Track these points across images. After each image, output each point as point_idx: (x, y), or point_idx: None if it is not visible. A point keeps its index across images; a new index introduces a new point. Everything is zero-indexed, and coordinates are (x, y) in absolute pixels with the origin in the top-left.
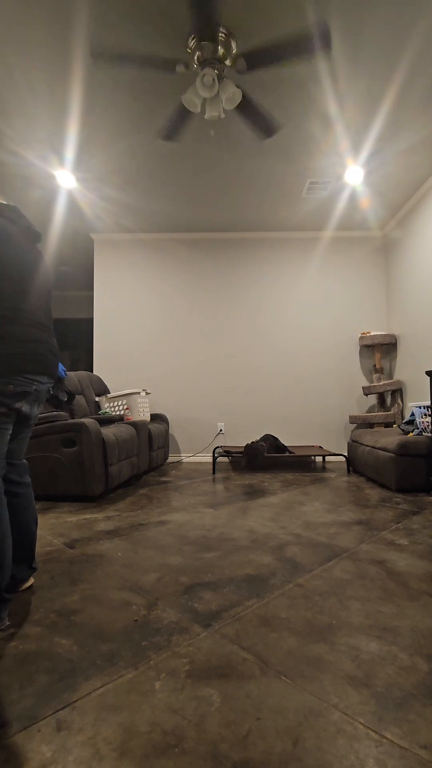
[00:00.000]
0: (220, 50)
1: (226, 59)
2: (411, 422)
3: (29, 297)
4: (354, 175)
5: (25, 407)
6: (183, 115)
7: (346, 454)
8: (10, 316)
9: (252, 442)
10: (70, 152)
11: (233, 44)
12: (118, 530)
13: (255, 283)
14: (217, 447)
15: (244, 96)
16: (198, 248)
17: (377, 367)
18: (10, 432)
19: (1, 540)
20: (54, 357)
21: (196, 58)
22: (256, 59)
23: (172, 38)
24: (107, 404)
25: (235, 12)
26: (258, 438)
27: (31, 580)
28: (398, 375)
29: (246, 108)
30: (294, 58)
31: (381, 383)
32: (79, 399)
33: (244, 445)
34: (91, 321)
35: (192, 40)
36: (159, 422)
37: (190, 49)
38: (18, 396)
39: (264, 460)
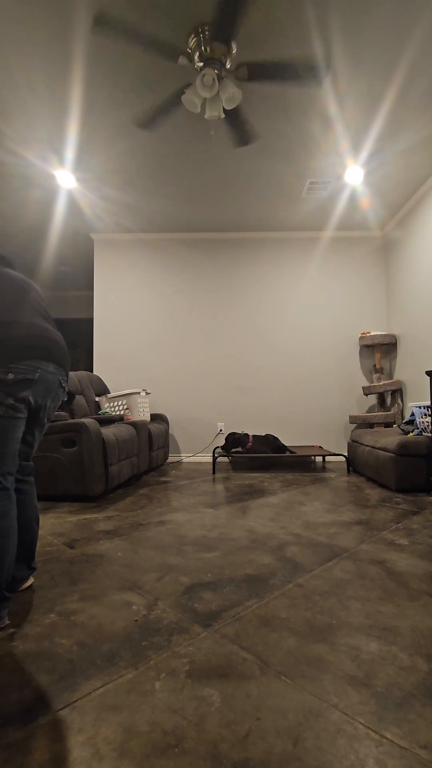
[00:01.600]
0: (228, 52)
1: (228, 62)
2: (411, 422)
3: (24, 303)
4: (354, 175)
5: (32, 397)
6: (168, 107)
7: (346, 454)
8: (8, 307)
9: (236, 432)
10: (70, 152)
11: (236, 49)
12: (118, 530)
13: (255, 283)
14: (217, 447)
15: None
16: (198, 248)
17: (377, 367)
18: (23, 428)
19: (6, 537)
20: (60, 346)
21: (198, 55)
22: (259, 72)
23: (179, 28)
24: (107, 404)
25: (247, 22)
26: (261, 437)
27: (31, 580)
28: (398, 375)
29: (232, 115)
30: (294, 81)
31: (381, 383)
32: (79, 399)
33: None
34: (91, 321)
35: (197, 35)
36: (159, 422)
37: (191, 48)
38: (21, 384)
39: (249, 449)
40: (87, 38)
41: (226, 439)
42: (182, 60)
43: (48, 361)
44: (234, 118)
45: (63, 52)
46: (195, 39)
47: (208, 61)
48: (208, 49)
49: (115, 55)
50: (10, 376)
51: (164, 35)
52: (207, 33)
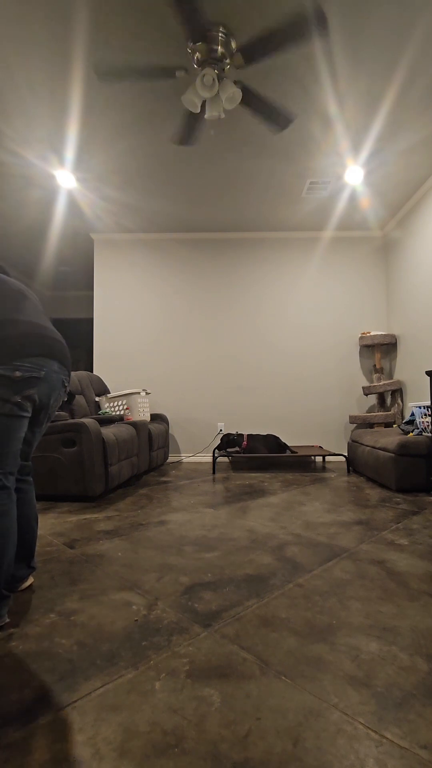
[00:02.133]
0: (219, 50)
1: (225, 58)
2: (411, 422)
3: (26, 302)
4: (354, 175)
5: (37, 397)
6: (193, 118)
7: (346, 454)
8: (10, 306)
9: (231, 434)
10: (70, 152)
11: (233, 43)
12: (118, 530)
13: (255, 283)
14: (216, 447)
15: (249, 91)
16: (198, 248)
17: (377, 367)
18: (26, 427)
19: (6, 536)
20: (63, 345)
21: (195, 59)
22: (253, 51)
23: (171, 43)
24: (107, 404)
25: (225, 7)
26: (260, 436)
27: (31, 580)
28: (398, 375)
29: (254, 103)
30: (290, 44)
31: (381, 383)
32: (79, 399)
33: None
34: (91, 321)
35: (190, 43)
36: (159, 422)
37: (190, 50)
38: (27, 382)
39: (245, 448)
40: (87, 38)
41: (221, 440)
42: (180, 73)
43: (53, 359)
44: (258, 106)
45: (63, 52)
46: (187, 48)
47: (204, 63)
48: (198, 54)
49: (115, 54)
50: (17, 373)
51: (157, 59)
52: (191, 40)
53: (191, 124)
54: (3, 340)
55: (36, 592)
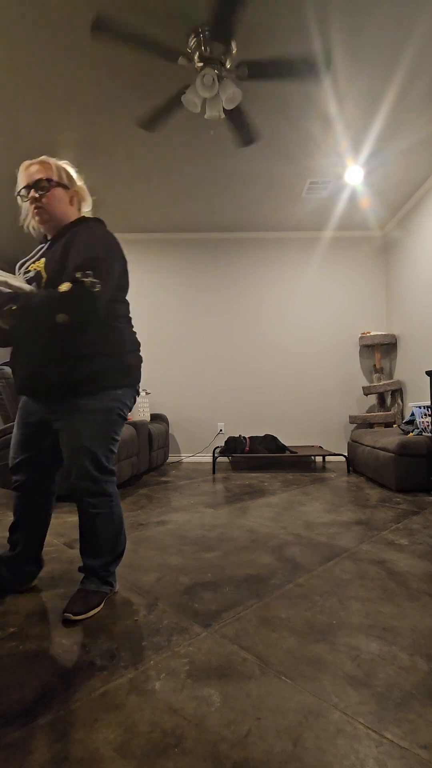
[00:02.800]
0: (227, 52)
1: (227, 62)
2: (411, 422)
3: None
4: (354, 175)
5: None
6: (169, 107)
7: (346, 454)
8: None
9: (236, 436)
10: (70, 152)
11: (236, 49)
12: None
13: (255, 283)
14: (217, 447)
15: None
16: (198, 248)
17: (377, 367)
18: None
19: (122, 524)
20: None
21: (198, 55)
22: (259, 70)
23: (178, 30)
24: None
25: (246, 21)
26: (259, 437)
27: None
28: (398, 375)
29: (234, 115)
30: (293, 79)
31: (381, 383)
32: None
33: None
34: None
35: (197, 36)
36: (159, 422)
37: (191, 48)
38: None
39: (244, 453)
40: (87, 37)
41: (226, 442)
42: (182, 60)
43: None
44: (236, 118)
45: (63, 49)
46: (195, 39)
47: (208, 61)
48: (207, 49)
49: (115, 54)
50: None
51: (163, 37)
52: (206, 33)
53: (166, 111)
54: (135, 367)
55: (36, 592)
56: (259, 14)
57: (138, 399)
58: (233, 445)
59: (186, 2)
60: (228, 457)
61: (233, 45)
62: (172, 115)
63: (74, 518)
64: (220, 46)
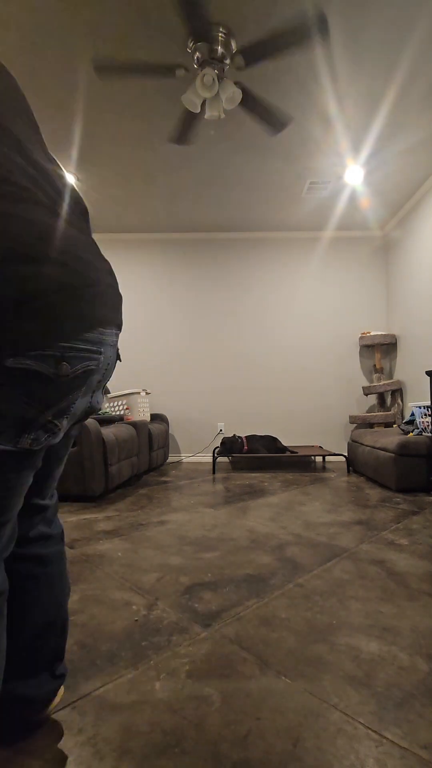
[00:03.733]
0: (219, 50)
1: (225, 58)
2: (411, 422)
3: (80, 216)
4: (354, 175)
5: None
6: (190, 117)
7: (346, 454)
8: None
9: (230, 436)
10: (71, 152)
11: (233, 43)
12: (118, 530)
13: (255, 283)
14: (217, 447)
15: (247, 92)
16: (198, 248)
17: (377, 367)
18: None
19: None
20: (119, 298)
21: (195, 59)
22: (254, 54)
23: (171, 42)
24: (107, 404)
25: (227, 8)
26: (258, 436)
27: (60, 694)
28: (398, 375)
29: (251, 104)
30: (292, 47)
31: (381, 383)
32: None
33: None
34: None
35: (190, 42)
36: (159, 422)
37: (190, 49)
38: (78, 380)
39: (245, 451)
40: (88, 36)
41: (222, 443)
42: (180, 72)
43: (113, 325)
44: (255, 108)
45: (65, 50)
46: (191, 45)
47: (205, 63)
48: (199, 54)
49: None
50: (65, 366)
51: (157, 57)
52: (193, 40)
53: (188, 122)
54: (68, 301)
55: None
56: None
57: (138, 399)
58: (230, 446)
59: (169, 17)
60: (228, 457)
61: (222, 39)
62: (198, 123)
63: (74, 518)
64: (206, 46)
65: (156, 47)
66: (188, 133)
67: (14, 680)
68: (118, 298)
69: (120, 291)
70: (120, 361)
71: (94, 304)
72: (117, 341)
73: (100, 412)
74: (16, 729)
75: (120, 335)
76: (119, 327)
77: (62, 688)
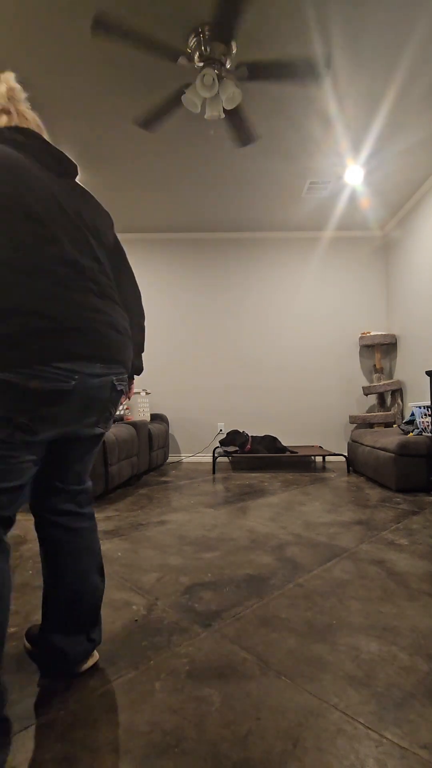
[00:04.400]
0: (228, 52)
1: (227, 62)
2: (411, 422)
3: (63, 244)
4: (354, 175)
5: (64, 415)
6: (168, 106)
7: (346, 454)
8: (28, 269)
9: (238, 431)
10: (70, 152)
11: (236, 49)
12: (118, 530)
13: (255, 283)
14: (217, 447)
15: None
16: (198, 248)
17: (377, 367)
18: (37, 453)
19: None
20: (115, 332)
21: (198, 55)
22: (259, 72)
23: (179, 29)
24: None
25: (247, 22)
26: (259, 437)
27: (95, 657)
28: (398, 375)
29: (233, 114)
30: (294, 80)
31: (381, 383)
32: None
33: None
34: None
35: (197, 36)
36: (159, 422)
37: (191, 48)
38: (47, 398)
39: (248, 450)
40: (87, 36)
41: (228, 434)
42: (182, 60)
43: (93, 360)
44: (234, 117)
45: (62, 49)
46: (195, 39)
47: (208, 61)
48: (207, 49)
49: (115, 53)
50: (35, 383)
51: (164, 36)
52: (207, 33)
53: (165, 110)
54: (30, 333)
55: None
56: (259, 16)
57: (138, 399)
58: (233, 437)
59: (188, 2)
60: (228, 457)
61: (233, 45)
62: (171, 115)
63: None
64: (220, 46)
65: (162, 29)
66: (159, 120)
67: (56, 633)
68: (110, 341)
69: (122, 337)
70: (122, 392)
71: (71, 344)
72: (109, 374)
73: None
74: (53, 674)
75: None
76: (107, 362)
77: (96, 653)
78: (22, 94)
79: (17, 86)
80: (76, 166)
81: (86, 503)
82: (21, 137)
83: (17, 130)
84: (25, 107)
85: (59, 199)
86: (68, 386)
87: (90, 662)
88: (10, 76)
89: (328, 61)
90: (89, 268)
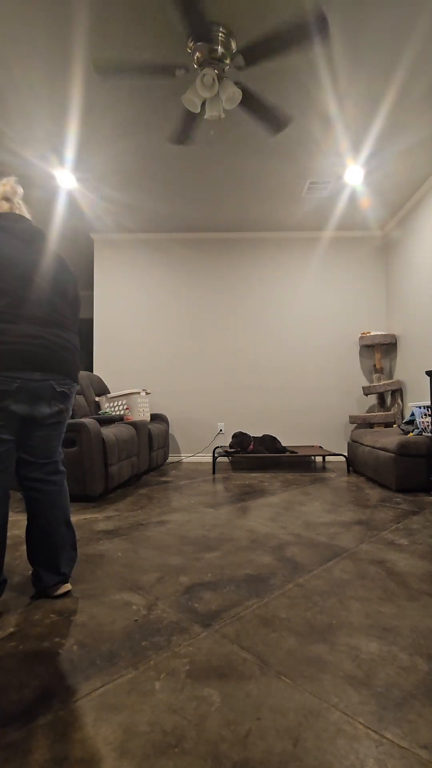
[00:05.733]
0: (219, 50)
1: (226, 58)
2: (411, 422)
3: (20, 293)
4: (354, 175)
5: (15, 406)
6: (190, 117)
7: (346, 454)
8: (5, 309)
9: (243, 433)
10: (70, 152)
11: (233, 43)
12: (118, 530)
13: (255, 283)
14: (217, 447)
15: (247, 92)
16: (198, 248)
17: (377, 367)
18: (4, 435)
19: None
20: (51, 352)
21: (195, 59)
22: (254, 53)
23: (171, 42)
24: (107, 404)
25: (227, 8)
26: (257, 437)
27: (66, 587)
28: (398, 375)
29: (251, 104)
30: (291, 47)
31: (381, 383)
32: (79, 399)
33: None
34: (91, 321)
35: (190, 42)
36: (159, 422)
37: (190, 49)
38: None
39: (250, 451)
40: (87, 37)
41: (234, 436)
42: (179, 72)
43: (30, 370)
44: (254, 107)
45: (63, 50)
46: (187, 47)
47: (205, 62)
48: (198, 54)
49: (115, 53)
50: None
51: (157, 58)
52: (193, 39)
53: (188, 122)
54: None
55: (36, 592)
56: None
57: (138, 399)
58: (242, 439)
59: (168, 17)
60: (228, 457)
61: (222, 39)
62: (197, 124)
63: (74, 518)
64: (206, 46)
65: (155, 47)
66: (188, 132)
67: (34, 564)
68: (39, 357)
69: (56, 350)
70: (65, 393)
71: (2, 362)
72: (41, 379)
73: (100, 412)
74: (40, 593)
75: (117, 338)
76: (42, 370)
77: (69, 585)
78: (19, 191)
79: (18, 187)
80: (38, 232)
81: (53, 472)
82: (5, 220)
83: (2, 215)
84: (18, 200)
85: (28, 266)
86: (11, 387)
87: (62, 590)
88: (12, 179)
89: (321, 18)
90: (48, 312)
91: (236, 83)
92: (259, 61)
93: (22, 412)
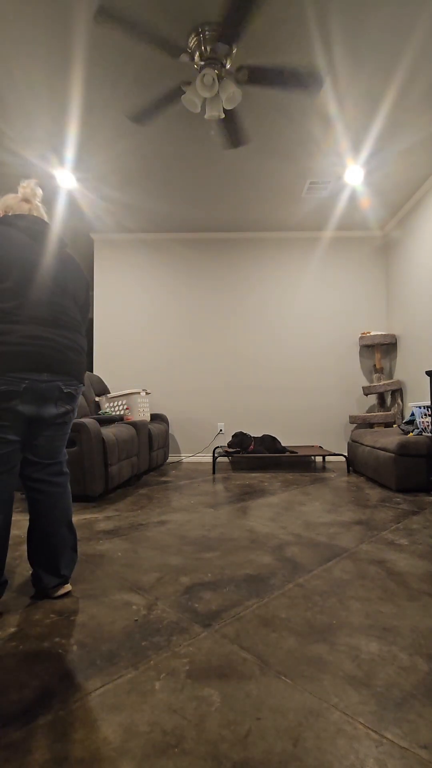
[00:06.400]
0: (230, 53)
1: (228, 63)
2: (411, 422)
3: (30, 294)
4: (354, 175)
5: (22, 407)
6: (162, 102)
7: (346, 454)
8: (8, 310)
9: (243, 433)
10: (70, 152)
11: (236, 51)
12: (118, 530)
13: (255, 283)
14: (217, 447)
15: (261, 69)
16: (198, 248)
17: (377, 367)
18: (10, 435)
19: None
20: (58, 353)
21: (198, 54)
22: (260, 76)
23: (181, 27)
24: (107, 404)
25: (253, 26)
26: (257, 437)
27: (66, 588)
28: (398, 375)
29: (270, 77)
30: (294, 87)
31: (381, 383)
32: (79, 399)
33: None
34: (90, 321)
35: (197, 35)
36: (159, 422)
37: (191, 48)
38: (6, 396)
39: (250, 451)
40: (87, 37)
41: (234, 435)
42: (184, 57)
43: (38, 371)
44: (228, 119)
45: (63, 50)
46: (195, 38)
47: (209, 60)
48: (208, 49)
49: (115, 53)
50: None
51: (167, 31)
52: (208, 33)
53: (158, 105)
54: None
55: (36, 592)
56: (263, 19)
57: (138, 399)
58: (242, 439)
59: (169, 17)
60: (228, 457)
61: (235, 47)
62: (165, 110)
63: (74, 518)
64: (224, 47)
65: (164, 26)
66: (152, 115)
67: (35, 565)
68: (46, 358)
69: (63, 352)
70: (72, 394)
71: (10, 363)
72: (49, 380)
73: (100, 412)
74: (39, 594)
75: (117, 338)
76: (50, 371)
77: (69, 586)
78: (39, 193)
79: (38, 189)
80: (43, 231)
81: (57, 474)
82: (12, 218)
83: (7, 216)
84: (38, 202)
85: (34, 264)
86: (12, 388)
87: (62, 591)
88: (32, 182)
89: (330, 70)
90: (53, 313)
91: (245, 66)
92: (260, 84)
93: (29, 413)
